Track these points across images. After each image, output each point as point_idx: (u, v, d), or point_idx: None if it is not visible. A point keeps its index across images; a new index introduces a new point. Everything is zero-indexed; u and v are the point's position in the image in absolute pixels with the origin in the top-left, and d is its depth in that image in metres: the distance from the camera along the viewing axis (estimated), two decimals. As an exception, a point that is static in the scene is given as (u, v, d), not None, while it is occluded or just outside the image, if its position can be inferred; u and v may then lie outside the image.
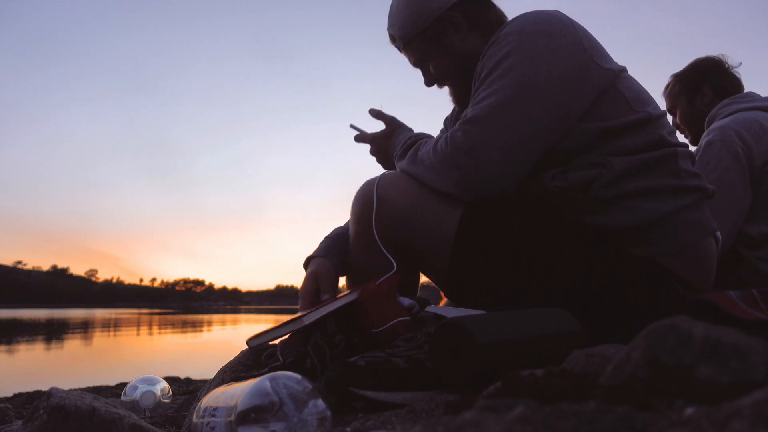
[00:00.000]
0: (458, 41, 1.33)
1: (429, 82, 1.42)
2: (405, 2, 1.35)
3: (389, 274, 1.19)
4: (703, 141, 1.81)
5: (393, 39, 1.41)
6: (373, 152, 1.51)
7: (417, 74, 1.45)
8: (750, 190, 1.74)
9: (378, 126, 1.50)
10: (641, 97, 1.21)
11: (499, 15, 1.37)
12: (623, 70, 1.22)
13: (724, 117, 1.86)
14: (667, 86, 2.11)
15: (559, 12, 1.21)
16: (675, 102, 2.08)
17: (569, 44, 1.15)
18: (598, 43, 1.22)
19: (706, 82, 2.00)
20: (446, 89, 1.45)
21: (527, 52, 1.14)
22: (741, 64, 2.05)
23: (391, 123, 1.47)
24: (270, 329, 1.20)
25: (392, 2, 1.39)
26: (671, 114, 2.13)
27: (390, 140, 1.44)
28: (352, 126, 1.52)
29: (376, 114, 1.49)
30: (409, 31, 1.34)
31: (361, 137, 1.51)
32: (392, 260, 1.22)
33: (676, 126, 2.13)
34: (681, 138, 1.90)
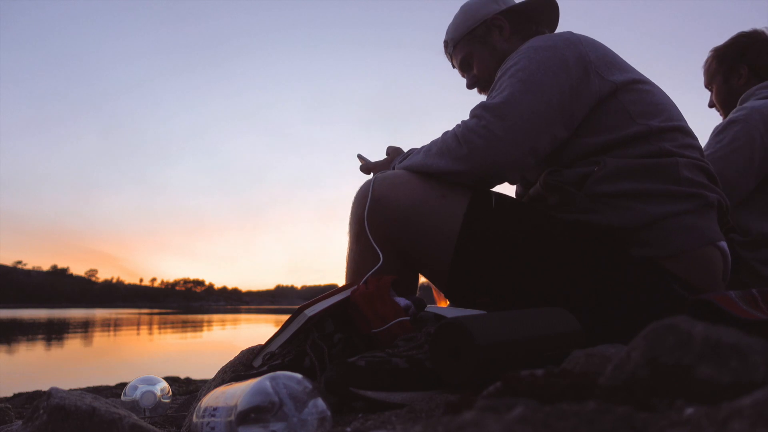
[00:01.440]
0: (500, 42, 1.52)
1: (470, 85, 1.59)
2: (461, 11, 1.57)
3: (374, 269, 1.22)
4: (729, 116, 1.73)
5: (446, 45, 1.61)
6: None
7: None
8: (752, 179, 1.67)
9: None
10: (651, 109, 1.25)
11: (540, 31, 1.52)
12: (635, 81, 1.27)
13: (759, 99, 1.76)
14: (706, 61, 1.97)
15: (570, 33, 1.34)
16: (711, 79, 1.96)
17: (572, 56, 1.25)
18: (612, 59, 1.29)
19: (744, 62, 1.87)
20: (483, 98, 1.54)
21: (533, 59, 1.26)
22: None
23: (394, 152, 1.57)
24: (274, 337, 1.19)
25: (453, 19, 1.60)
26: (708, 90, 1.97)
27: (389, 166, 1.52)
28: (359, 156, 1.63)
29: (392, 152, 1.59)
30: (460, 32, 1.55)
31: (365, 167, 1.60)
32: (379, 253, 1.25)
33: (711, 104, 1.99)
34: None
